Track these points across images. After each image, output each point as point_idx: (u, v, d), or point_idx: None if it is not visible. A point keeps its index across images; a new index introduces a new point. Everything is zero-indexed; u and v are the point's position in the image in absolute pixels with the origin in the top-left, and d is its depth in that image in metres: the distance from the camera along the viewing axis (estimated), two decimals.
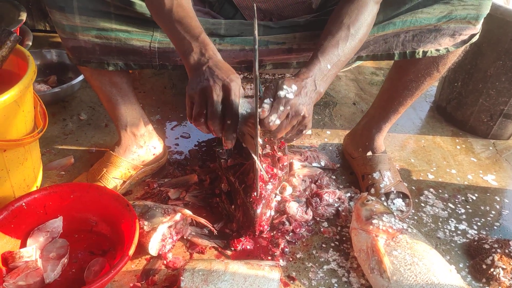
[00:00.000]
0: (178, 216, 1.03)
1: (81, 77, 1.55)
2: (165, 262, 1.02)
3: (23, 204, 1.00)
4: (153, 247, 1.01)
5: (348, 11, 0.91)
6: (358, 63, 1.29)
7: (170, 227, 1.04)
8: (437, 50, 1.04)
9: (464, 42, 1.03)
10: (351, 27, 0.90)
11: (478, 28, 1.02)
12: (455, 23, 0.99)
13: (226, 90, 0.81)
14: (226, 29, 1.05)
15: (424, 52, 1.04)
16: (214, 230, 1.07)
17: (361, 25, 0.91)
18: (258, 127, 0.84)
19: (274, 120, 0.80)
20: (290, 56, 1.10)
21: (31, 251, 0.96)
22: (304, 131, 0.88)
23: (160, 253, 1.03)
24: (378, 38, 1.04)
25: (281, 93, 0.81)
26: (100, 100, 1.20)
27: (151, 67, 1.08)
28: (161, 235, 1.02)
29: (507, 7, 1.34)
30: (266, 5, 1.11)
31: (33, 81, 1.00)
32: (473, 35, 1.03)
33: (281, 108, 0.80)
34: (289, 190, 1.17)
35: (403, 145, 1.53)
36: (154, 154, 1.26)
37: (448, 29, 1.00)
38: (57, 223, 1.04)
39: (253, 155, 0.90)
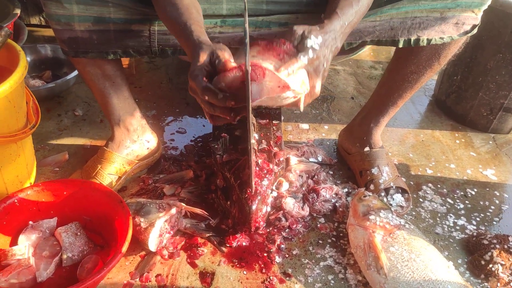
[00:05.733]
0: (174, 210, 1.02)
1: (76, 72, 1.53)
2: (159, 258, 1.02)
3: (15, 201, 0.99)
4: (153, 243, 1.00)
5: None
6: (360, 52, 1.27)
7: (165, 221, 1.03)
8: (441, 38, 1.03)
9: (466, 32, 1.02)
10: None
11: (479, 18, 1.01)
12: (459, 11, 0.99)
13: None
14: (229, 9, 1.02)
15: (429, 40, 1.03)
16: (210, 219, 1.07)
17: None
18: (251, 114, 0.81)
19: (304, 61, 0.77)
20: None
21: (23, 249, 0.94)
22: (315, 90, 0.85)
23: (158, 248, 1.02)
24: (384, 25, 1.03)
25: (308, 43, 0.78)
26: (93, 95, 1.19)
27: (151, 53, 1.06)
28: (159, 230, 1.01)
29: None
30: None
31: (24, 76, 0.98)
32: (474, 26, 1.02)
33: (311, 55, 0.78)
34: (285, 185, 1.16)
35: (401, 139, 1.52)
36: (148, 148, 1.24)
37: (453, 17, 1.00)
38: (51, 223, 1.03)
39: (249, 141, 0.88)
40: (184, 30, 0.85)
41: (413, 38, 1.04)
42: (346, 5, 0.89)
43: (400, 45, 1.05)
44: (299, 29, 0.81)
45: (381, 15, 1.02)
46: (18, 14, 1.58)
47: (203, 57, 0.76)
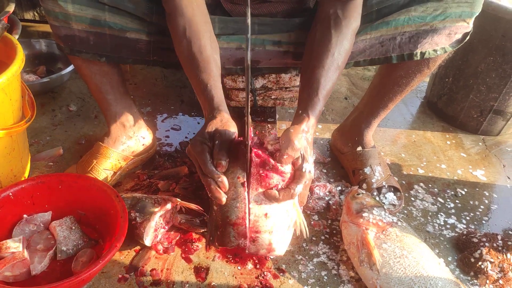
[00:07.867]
0: (169, 205, 1.03)
1: (70, 68, 1.53)
2: (153, 253, 1.02)
3: (10, 194, 0.99)
4: (148, 238, 1.01)
5: (337, 42, 0.93)
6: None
7: (161, 216, 1.03)
8: (435, 50, 1.03)
9: (458, 41, 1.03)
10: (339, 59, 0.93)
11: (470, 26, 1.02)
12: (450, 22, 0.99)
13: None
14: (221, 28, 1.04)
15: (422, 54, 1.04)
16: (205, 214, 1.07)
17: (345, 57, 0.95)
18: (249, 120, 0.83)
19: (299, 190, 0.82)
20: (286, 61, 1.11)
21: (18, 242, 0.94)
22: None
23: (153, 243, 1.03)
24: (374, 42, 1.04)
25: (307, 167, 0.82)
26: (89, 91, 1.19)
27: (144, 63, 1.07)
28: (154, 225, 1.02)
29: (498, 3, 1.34)
30: (259, 11, 1.09)
31: (21, 69, 0.98)
32: (466, 34, 1.03)
33: (306, 181, 0.83)
34: None
35: (394, 140, 1.54)
36: (143, 145, 1.25)
37: (444, 28, 1.00)
38: (46, 217, 1.03)
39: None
40: (204, 90, 0.89)
41: (405, 53, 1.05)
42: (325, 84, 0.91)
43: (394, 62, 1.06)
44: (300, 145, 0.81)
45: (371, 31, 1.03)
46: (12, 10, 1.57)
47: (209, 131, 0.83)
